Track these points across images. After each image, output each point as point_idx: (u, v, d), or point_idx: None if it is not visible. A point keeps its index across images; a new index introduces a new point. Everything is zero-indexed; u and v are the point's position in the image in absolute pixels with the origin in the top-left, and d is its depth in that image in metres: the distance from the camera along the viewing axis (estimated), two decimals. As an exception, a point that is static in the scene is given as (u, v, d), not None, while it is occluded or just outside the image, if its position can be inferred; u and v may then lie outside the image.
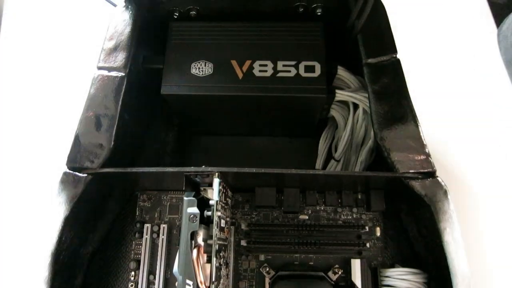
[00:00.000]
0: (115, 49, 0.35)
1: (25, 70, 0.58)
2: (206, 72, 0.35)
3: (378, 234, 0.35)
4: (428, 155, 0.31)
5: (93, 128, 0.33)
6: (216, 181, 0.29)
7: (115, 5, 0.38)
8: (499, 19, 0.62)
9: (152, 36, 0.38)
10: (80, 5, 0.61)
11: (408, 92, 0.32)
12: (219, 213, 0.29)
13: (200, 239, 0.29)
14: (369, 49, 0.33)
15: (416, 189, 0.30)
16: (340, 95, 0.36)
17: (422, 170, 0.30)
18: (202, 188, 0.32)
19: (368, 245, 0.34)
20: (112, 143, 0.32)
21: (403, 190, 0.31)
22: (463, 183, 0.47)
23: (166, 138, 0.45)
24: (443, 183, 0.30)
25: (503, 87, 0.54)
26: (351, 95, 0.36)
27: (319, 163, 0.43)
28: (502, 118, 0.51)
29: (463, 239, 0.28)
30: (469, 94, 0.53)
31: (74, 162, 0.32)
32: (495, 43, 0.58)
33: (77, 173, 0.31)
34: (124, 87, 0.34)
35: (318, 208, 0.36)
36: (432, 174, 0.30)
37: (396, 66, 0.33)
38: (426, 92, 0.52)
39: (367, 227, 0.35)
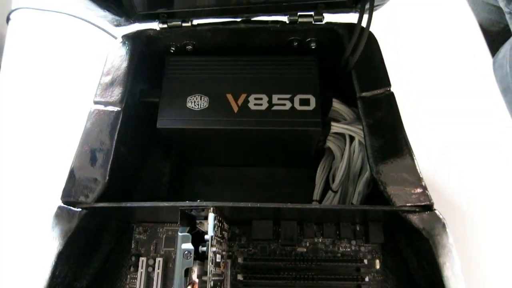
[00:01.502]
0: (111, 84, 0.35)
1: (24, 102, 0.59)
2: (201, 106, 0.36)
3: (378, 266, 0.34)
4: (424, 188, 0.30)
5: (88, 162, 0.33)
6: (211, 216, 0.29)
7: (115, 37, 0.39)
8: (493, 47, 0.63)
9: (149, 70, 0.39)
10: (81, 37, 0.62)
11: (402, 125, 0.32)
12: (214, 249, 0.29)
13: (194, 276, 0.28)
14: (363, 83, 0.33)
15: (414, 223, 0.29)
16: (336, 127, 0.36)
17: (419, 204, 0.30)
18: (198, 221, 0.32)
19: (367, 278, 0.33)
20: (107, 177, 0.32)
21: (401, 223, 0.31)
22: (462, 214, 0.47)
23: (162, 169, 0.45)
24: (441, 216, 0.29)
25: (500, 115, 0.54)
26: (347, 127, 0.36)
27: (316, 193, 0.43)
28: (499, 146, 0.51)
29: (463, 272, 0.28)
30: (466, 122, 0.53)
31: (68, 196, 0.32)
32: (490, 71, 0.59)
33: (71, 207, 0.31)
34: (120, 121, 0.34)
35: (316, 241, 0.35)
36: (429, 207, 0.30)
37: (390, 99, 0.33)
38: (423, 122, 0.52)
39: (365, 260, 0.34)
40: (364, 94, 0.33)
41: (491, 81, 0.57)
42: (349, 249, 0.35)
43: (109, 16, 0.36)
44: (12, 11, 0.62)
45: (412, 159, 0.31)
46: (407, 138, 0.32)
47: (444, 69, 0.58)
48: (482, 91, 0.56)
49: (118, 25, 0.37)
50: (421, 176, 0.31)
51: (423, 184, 0.30)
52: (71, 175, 0.33)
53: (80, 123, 0.34)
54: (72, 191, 0.32)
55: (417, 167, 0.31)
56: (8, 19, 0.63)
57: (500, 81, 0.57)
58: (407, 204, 0.30)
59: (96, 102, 0.35)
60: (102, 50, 0.44)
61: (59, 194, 0.32)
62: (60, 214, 0.31)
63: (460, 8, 0.65)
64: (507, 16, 0.58)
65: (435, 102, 0.55)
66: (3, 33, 1.01)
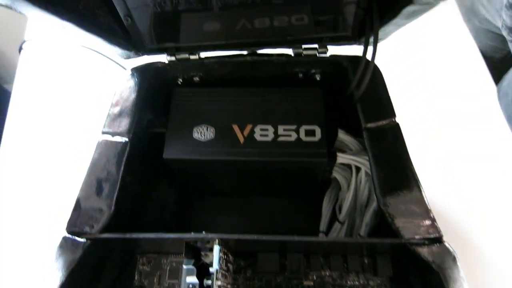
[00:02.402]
0: (120, 114, 0.36)
1: (32, 130, 0.60)
2: (208, 137, 0.36)
3: (387, 301, 0.33)
4: (433, 220, 0.30)
5: (94, 192, 0.33)
6: (216, 249, 0.28)
7: (125, 68, 0.39)
8: (496, 73, 0.63)
9: (156, 100, 0.39)
10: (92, 67, 0.64)
11: (409, 156, 0.32)
12: (219, 282, 0.28)
13: (199, 310, 0.28)
14: (368, 114, 0.33)
15: (423, 256, 0.29)
16: (342, 158, 0.36)
17: (428, 236, 0.29)
18: (203, 253, 0.31)
19: (376, 313, 0.32)
20: (113, 208, 0.32)
21: (410, 256, 0.30)
22: (474, 247, 0.46)
23: (167, 198, 0.45)
24: (451, 249, 0.29)
25: (505, 143, 0.54)
26: (353, 158, 0.36)
27: (323, 224, 0.42)
28: (507, 177, 0.51)
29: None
30: (472, 151, 0.53)
31: (74, 226, 0.32)
32: (494, 98, 0.59)
33: (76, 237, 0.31)
34: (127, 152, 0.34)
35: (323, 274, 0.35)
36: (439, 240, 0.29)
37: (395, 130, 0.33)
38: (430, 152, 0.52)
39: (374, 294, 0.33)
40: (369, 125, 0.33)
41: (496, 108, 0.58)
42: (357, 283, 0.34)
43: (119, 50, 0.36)
44: (25, 41, 0.64)
45: (420, 190, 0.31)
46: (414, 169, 0.32)
47: (447, 98, 0.59)
48: (487, 119, 0.56)
49: (127, 58, 0.38)
50: (429, 208, 0.30)
51: (432, 216, 0.30)
52: (77, 205, 0.33)
53: (88, 153, 0.35)
54: (77, 221, 0.32)
55: (425, 199, 0.31)
56: (20, 49, 0.65)
57: (505, 108, 0.57)
58: (416, 237, 0.29)
59: (104, 132, 0.35)
60: (112, 80, 0.45)
61: (64, 225, 0.32)
62: (65, 245, 0.31)
63: (462, 36, 0.66)
64: (510, 44, 0.59)
65: (439, 132, 0.55)
66: (15, 62, 1.03)
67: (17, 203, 0.53)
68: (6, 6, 0.28)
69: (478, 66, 0.62)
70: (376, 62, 0.34)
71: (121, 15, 0.33)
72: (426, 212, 0.30)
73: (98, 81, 0.62)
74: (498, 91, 0.60)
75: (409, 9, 0.28)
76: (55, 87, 0.63)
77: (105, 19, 0.34)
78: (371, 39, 0.32)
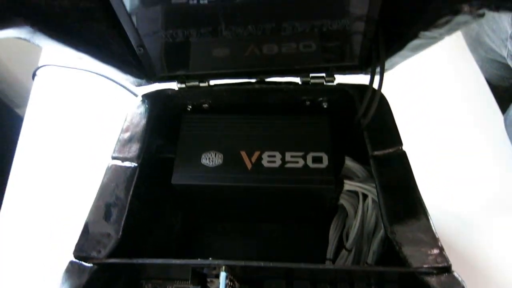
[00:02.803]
0: (130, 140, 0.36)
1: (44, 155, 0.61)
2: (216, 163, 0.36)
3: (395, 331, 0.33)
4: (441, 249, 0.30)
5: (102, 217, 0.33)
6: (222, 276, 0.28)
7: (136, 95, 0.40)
8: (503, 102, 0.64)
9: (166, 126, 0.40)
10: (103, 92, 0.66)
11: (416, 184, 0.32)
12: (225, 309, 0.28)
13: None
14: (374, 142, 0.34)
15: (432, 285, 0.28)
16: (349, 185, 0.37)
17: (436, 265, 0.29)
18: (209, 280, 0.31)
19: None
20: (120, 232, 0.32)
21: (418, 285, 0.30)
22: (483, 276, 0.45)
23: (174, 224, 0.45)
24: (460, 278, 0.28)
25: (514, 172, 0.54)
26: (360, 185, 0.36)
27: (330, 251, 0.42)
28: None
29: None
30: (480, 181, 0.53)
31: (81, 251, 0.32)
32: (501, 126, 0.59)
33: (83, 262, 0.31)
34: (136, 177, 0.34)
35: (330, 302, 0.34)
36: (447, 269, 0.29)
37: (402, 158, 0.33)
38: (436, 182, 0.52)
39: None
40: (376, 152, 0.34)
41: (503, 137, 0.58)
42: (365, 311, 0.34)
43: (131, 78, 0.38)
44: (39, 67, 0.66)
45: (427, 218, 0.31)
46: (421, 197, 0.32)
47: (455, 127, 0.59)
48: (494, 148, 0.56)
49: (139, 85, 0.39)
50: (437, 236, 0.30)
51: (440, 245, 0.30)
52: (85, 229, 0.33)
53: (97, 178, 0.35)
54: (84, 246, 0.32)
55: (433, 227, 0.30)
56: (34, 75, 0.67)
57: (512, 137, 0.57)
58: (424, 266, 0.29)
59: (114, 158, 0.36)
60: (123, 106, 0.46)
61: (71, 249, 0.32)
62: (71, 270, 0.31)
63: (468, 66, 0.66)
64: (516, 74, 0.60)
65: (447, 160, 0.55)
66: (27, 87, 1.05)
67: (27, 229, 0.54)
68: (25, 39, 0.30)
69: (485, 94, 0.63)
70: (383, 90, 0.35)
71: (134, 45, 0.34)
72: (433, 240, 0.30)
73: (109, 107, 0.64)
74: (505, 120, 0.60)
75: (414, 42, 0.29)
76: (68, 112, 0.65)
77: (119, 49, 0.35)
78: (378, 69, 0.33)
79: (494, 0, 0.23)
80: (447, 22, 0.26)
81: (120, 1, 0.30)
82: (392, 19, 0.31)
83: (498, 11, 0.23)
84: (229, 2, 0.30)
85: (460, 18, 0.25)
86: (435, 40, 0.28)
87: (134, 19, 0.32)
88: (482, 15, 0.24)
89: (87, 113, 0.64)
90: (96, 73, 0.60)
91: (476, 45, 0.72)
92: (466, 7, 0.24)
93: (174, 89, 0.39)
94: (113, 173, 0.35)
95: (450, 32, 0.27)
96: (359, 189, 0.37)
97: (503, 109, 0.62)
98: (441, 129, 0.59)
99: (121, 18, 0.31)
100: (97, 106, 0.65)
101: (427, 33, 0.28)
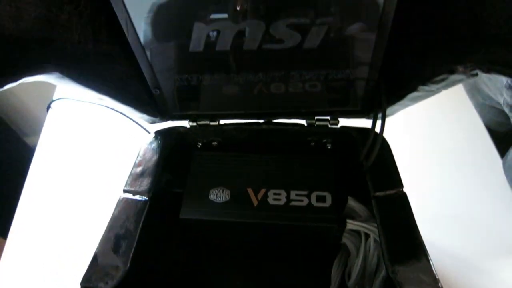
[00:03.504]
0: (141, 174, 0.38)
1: (54, 186, 0.62)
2: (223, 199, 0.38)
3: None
4: (442, 289, 0.30)
5: (111, 249, 0.34)
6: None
7: (148, 132, 0.42)
8: (502, 147, 0.65)
9: (176, 162, 0.42)
10: (116, 128, 0.68)
11: (416, 225, 0.33)
12: None
13: None
14: (376, 183, 0.35)
15: (432, 325, 0.29)
16: (351, 224, 0.38)
17: (437, 306, 0.30)
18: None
19: None
20: (128, 265, 0.33)
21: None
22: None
23: (180, 257, 0.46)
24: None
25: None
26: (362, 225, 0.37)
27: (332, 291, 0.42)
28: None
29: None
30: (480, 224, 0.54)
31: (88, 282, 0.32)
32: (500, 170, 0.61)
33: (90, 293, 0.32)
34: (146, 210, 0.36)
35: None
36: (448, 311, 0.30)
37: (403, 199, 0.34)
38: (436, 224, 0.53)
39: None
40: (378, 193, 0.35)
41: (502, 180, 0.59)
42: None
43: (145, 116, 0.40)
44: (54, 100, 0.68)
45: (428, 259, 0.32)
46: (421, 238, 0.33)
47: (454, 170, 0.60)
48: (494, 191, 0.58)
49: (152, 123, 0.41)
50: (437, 277, 0.31)
51: (440, 286, 0.30)
52: (94, 260, 0.34)
53: (104, 209, 0.36)
54: (92, 277, 0.33)
55: (433, 268, 0.31)
56: (48, 107, 0.70)
57: (511, 181, 0.59)
58: (425, 307, 0.30)
59: (125, 191, 0.37)
60: (135, 141, 0.48)
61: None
62: (77, 301, 0.31)
63: (467, 111, 0.69)
64: (512, 121, 0.62)
65: (446, 205, 0.56)
66: (38, 118, 1.08)
67: (35, 259, 0.54)
68: (54, 83, 0.32)
69: (483, 139, 0.65)
70: (384, 134, 0.36)
71: (151, 86, 0.36)
72: (434, 281, 0.31)
73: (121, 141, 0.66)
74: (504, 164, 0.62)
75: (413, 94, 0.31)
76: (80, 145, 0.67)
77: (136, 90, 0.37)
78: (380, 114, 0.35)
79: (486, 63, 0.25)
80: (443, 80, 0.28)
81: (141, 47, 0.33)
82: (393, 72, 0.33)
83: (489, 73, 0.25)
84: (241, 52, 0.32)
85: (455, 77, 0.27)
86: (433, 93, 0.31)
87: (152, 63, 0.34)
88: (476, 75, 0.26)
89: (99, 147, 0.66)
90: (111, 108, 0.62)
91: (474, 91, 0.74)
92: (461, 68, 0.26)
93: (185, 127, 0.41)
94: (124, 205, 0.36)
95: (446, 87, 0.29)
96: (361, 229, 0.38)
97: (502, 153, 0.64)
98: (441, 173, 0.60)
99: (140, 63, 0.34)
100: (109, 140, 0.67)
101: (425, 88, 0.30)
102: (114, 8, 0.30)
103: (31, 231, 0.57)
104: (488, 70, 0.25)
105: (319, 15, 0.29)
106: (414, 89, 0.31)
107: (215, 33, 0.31)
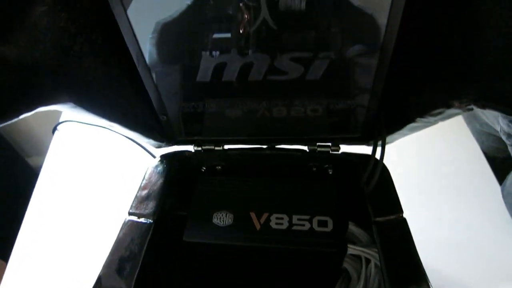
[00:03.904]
0: (147, 197, 0.39)
1: (58, 207, 0.63)
2: (226, 222, 0.38)
3: None
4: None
5: (116, 271, 0.35)
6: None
7: (154, 156, 0.43)
8: (500, 173, 0.66)
9: (181, 186, 0.43)
10: (121, 151, 0.69)
11: (416, 249, 0.34)
12: None
13: None
14: (376, 209, 0.36)
15: None
16: (352, 249, 0.38)
17: (436, 332, 0.30)
18: None
19: None
20: (132, 287, 0.34)
21: None
22: None
23: (183, 280, 0.46)
24: None
25: (512, 241, 0.55)
26: (363, 250, 0.38)
27: (333, 316, 0.42)
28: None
29: None
30: (479, 250, 0.54)
31: (92, 304, 0.33)
32: (498, 196, 0.61)
33: (92, 317, 0.32)
34: (150, 233, 0.36)
35: None
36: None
37: (402, 225, 0.35)
38: (435, 250, 0.53)
39: None
40: (378, 219, 0.36)
41: (501, 207, 0.60)
42: None
43: (152, 141, 0.41)
44: (60, 123, 0.70)
45: (428, 285, 0.32)
46: (421, 263, 0.33)
47: (453, 197, 0.61)
48: (493, 217, 0.58)
49: (159, 147, 0.42)
50: (437, 303, 0.31)
51: (440, 312, 0.31)
52: (98, 282, 0.34)
53: (111, 233, 0.37)
54: (96, 299, 0.33)
55: (433, 294, 0.32)
56: (54, 130, 0.71)
57: (510, 207, 0.59)
58: (425, 332, 0.30)
59: (130, 214, 0.38)
60: (139, 163, 0.49)
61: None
62: (81, 323, 0.32)
63: (465, 138, 0.70)
64: (509, 148, 0.63)
65: (445, 231, 0.57)
66: (42, 140, 1.09)
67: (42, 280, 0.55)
68: (66, 112, 0.33)
69: (481, 166, 0.66)
70: (384, 160, 0.38)
71: (158, 113, 0.38)
72: (434, 307, 0.31)
73: (126, 164, 0.67)
74: (502, 190, 0.62)
75: (412, 125, 0.33)
76: (84, 167, 0.68)
77: (143, 116, 0.39)
78: (380, 142, 0.36)
79: (480, 100, 0.27)
80: (440, 113, 0.30)
81: (149, 75, 0.34)
82: (392, 103, 0.34)
83: (484, 109, 0.27)
84: (246, 82, 0.34)
85: (451, 111, 0.29)
86: (431, 124, 0.32)
87: (160, 91, 0.36)
88: (471, 109, 0.28)
89: (104, 170, 0.67)
90: (117, 132, 0.63)
91: (471, 118, 0.76)
92: (457, 103, 0.28)
93: (190, 151, 0.42)
94: (129, 228, 0.37)
95: (444, 119, 0.31)
96: (362, 254, 0.39)
97: (500, 179, 0.65)
98: (440, 199, 0.61)
99: (149, 90, 0.36)
100: (115, 163, 0.68)
101: (423, 119, 0.31)
102: (124, 37, 0.31)
103: (34, 254, 0.58)
104: (483, 106, 0.27)
105: (322, 49, 0.31)
106: (412, 120, 0.32)
107: (222, 65, 0.32)
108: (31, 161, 1.29)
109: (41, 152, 1.32)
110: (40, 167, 0.69)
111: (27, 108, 0.29)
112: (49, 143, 0.72)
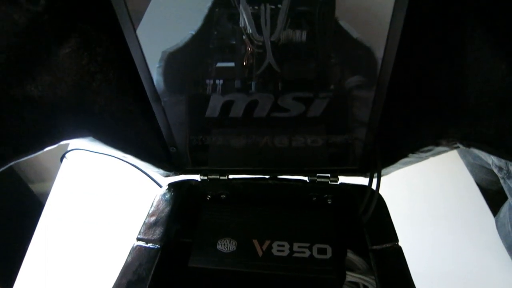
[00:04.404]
0: (155, 224, 0.41)
1: (66, 234, 0.64)
2: (230, 249, 0.40)
3: None
4: None
5: (123, 295, 0.36)
6: None
7: (160, 186, 0.46)
8: (494, 204, 0.68)
9: (186, 213, 0.44)
10: (130, 184, 0.71)
11: (411, 277, 0.35)
12: None
13: None
14: (373, 237, 0.38)
15: None
16: (350, 276, 0.40)
17: None
18: None
19: None
20: (139, 312, 0.35)
21: None
22: None
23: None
24: None
25: (506, 271, 0.56)
26: (361, 277, 0.40)
27: None
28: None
29: None
30: (474, 281, 0.55)
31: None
32: (492, 228, 0.63)
33: None
34: (158, 258, 0.38)
35: None
36: None
37: (398, 253, 0.37)
38: (430, 282, 0.54)
39: None
40: (375, 247, 0.38)
41: (496, 238, 0.61)
42: None
43: (161, 171, 0.43)
44: (68, 151, 0.72)
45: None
46: (416, 289, 0.35)
47: (447, 229, 0.63)
48: (487, 249, 0.60)
49: (167, 176, 0.45)
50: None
51: None
52: (106, 306, 0.36)
53: (120, 257, 0.39)
54: (104, 323, 0.34)
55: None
56: (62, 158, 0.73)
57: (504, 239, 0.61)
58: None
59: (139, 239, 0.40)
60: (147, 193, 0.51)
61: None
62: None
63: (459, 170, 0.73)
64: (501, 181, 0.65)
65: (440, 261, 0.58)
66: (48, 167, 1.10)
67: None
68: (85, 144, 0.35)
69: (475, 198, 0.68)
70: (380, 191, 0.40)
71: (168, 144, 0.40)
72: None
73: (132, 193, 0.69)
74: (496, 222, 0.64)
75: (404, 160, 0.35)
76: (93, 196, 0.69)
77: (154, 148, 0.41)
78: (376, 174, 0.39)
79: (466, 139, 0.29)
80: (430, 150, 0.32)
81: (160, 107, 0.37)
82: (387, 138, 0.37)
83: (469, 148, 0.29)
84: (251, 118, 0.36)
85: (440, 148, 0.32)
86: (422, 159, 0.35)
87: (170, 124, 0.38)
88: (458, 147, 0.30)
89: (111, 198, 0.69)
90: (125, 161, 0.65)
91: (464, 152, 0.79)
92: (444, 142, 0.30)
93: (197, 180, 0.44)
94: (137, 253, 0.39)
95: (434, 155, 0.33)
96: (360, 281, 0.40)
97: (494, 210, 0.67)
98: (435, 230, 0.62)
99: (160, 123, 0.38)
100: (121, 192, 0.70)
101: (415, 155, 0.34)
102: (138, 68, 0.34)
103: (38, 283, 0.58)
104: (468, 145, 0.29)
105: (322, 89, 0.34)
106: (405, 155, 0.35)
107: (229, 102, 0.35)
108: (34, 187, 1.30)
109: (44, 178, 1.33)
110: (43, 194, 0.70)
111: (51, 142, 0.31)
112: (54, 170, 0.74)
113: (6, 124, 0.29)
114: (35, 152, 0.30)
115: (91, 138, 0.34)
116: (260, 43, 0.31)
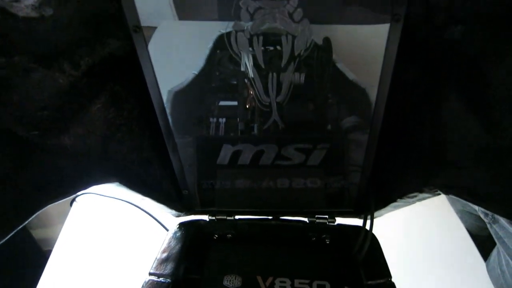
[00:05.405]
0: (166, 259, 0.44)
1: (76, 275, 0.66)
2: (235, 285, 0.43)
3: None
4: None
5: (137, 327, 0.39)
6: None
7: (167, 229, 0.49)
8: (485, 249, 0.71)
9: (194, 250, 0.48)
10: (139, 228, 0.73)
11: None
12: None
13: None
14: (368, 273, 0.41)
15: None
16: (348, 312, 0.43)
17: None
18: None
19: None
20: None
21: None
22: None
23: None
24: None
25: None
26: (357, 312, 0.42)
27: None
28: None
29: None
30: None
31: None
32: (483, 272, 0.66)
33: None
34: (168, 292, 0.41)
35: None
36: None
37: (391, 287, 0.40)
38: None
39: None
40: (369, 282, 0.41)
41: (487, 282, 0.64)
42: None
43: (173, 212, 0.47)
44: (79, 195, 0.76)
45: None
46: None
47: (439, 274, 0.65)
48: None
49: (177, 216, 0.48)
50: None
51: None
52: None
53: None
54: None
55: None
56: (72, 201, 0.77)
57: (495, 282, 0.64)
58: None
59: (151, 274, 0.43)
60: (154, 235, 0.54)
61: None
62: None
63: (449, 217, 0.76)
64: (488, 226, 0.69)
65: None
66: (55, 210, 1.12)
67: None
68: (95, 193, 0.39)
69: (466, 243, 0.71)
70: (374, 231, 0.44)
71: (181, 187, 0.45)
72: None
73: (139, 237, 0.71)
74: (487, 266, 0.67)
75: (394, 204, 0.40)
76: (103, 240, 0.71)
77: (167, 190, 0.45)
78: (369, 216, 0.43)
79: (445, 188, 0.34)
80: (415, 196, 0.37)
81: (178, 159, 0.42)
82: (378, 185, 0.42)
83: (448, 195, 0.34)
84: (257, 166, 0.41)
85: (423, 195, 0.37)
86: (409, 203, 0.39)
87: (185, 170, 0.43)
88: (439, 194, 0.35)
89: (120, 242, 0.71)
90: (134, 204, 0.69)
91: (453, 198, 0.83)
92: (426, 189, 0.35)
93: (205, 220, 0.48)
94: (150, 287, 0.42)
95: (420, 201, 0.38)
96: (357, 316, 0.43)
97: (485, 255, 0.70)
98: (427, 275, 0.65)
99: (176, 170, 0.43)
100: (128, 235, 0.72)
101: (403, 200, 0.39)
102: (156, 111, 0.38)
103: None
104: (447, 193, 0.34)
105: (321, 139, 0.39)
106: (394, 200, 0.40)
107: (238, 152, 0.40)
108: (35, 233, 1.30)
109: (46, 224, 1.33)
110: (44, 239, 0.69)
111: (83, 187, 0.36)
112: (57, 216, 0.75)
113: (44, 170, 0.33)
114: (69, 195, 0.35)
115: (117, 183, 0.38)
116: (267, 103, 0.37)
